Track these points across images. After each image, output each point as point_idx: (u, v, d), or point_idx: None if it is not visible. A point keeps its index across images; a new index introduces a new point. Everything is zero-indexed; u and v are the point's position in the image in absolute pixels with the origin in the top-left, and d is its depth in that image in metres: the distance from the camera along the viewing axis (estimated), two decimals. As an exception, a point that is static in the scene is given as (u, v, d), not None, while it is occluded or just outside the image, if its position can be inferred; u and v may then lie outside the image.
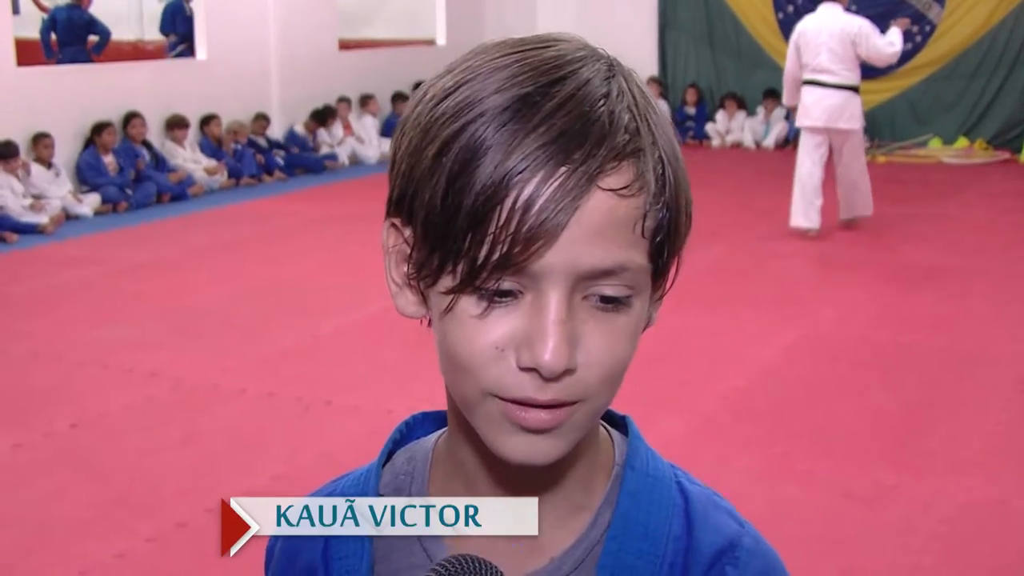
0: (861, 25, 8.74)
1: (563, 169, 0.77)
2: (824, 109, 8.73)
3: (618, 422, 0.99)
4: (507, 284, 0.80)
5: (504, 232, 0.77)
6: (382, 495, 0.97)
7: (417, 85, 0.83)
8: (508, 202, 0.77)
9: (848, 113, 8.77)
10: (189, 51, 12.84)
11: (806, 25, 8.95)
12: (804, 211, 8.88)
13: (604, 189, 0.78)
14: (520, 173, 0.77)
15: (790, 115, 14.35)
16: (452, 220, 0.79)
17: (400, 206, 0.85)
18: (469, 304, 0.81)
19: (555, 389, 0.81)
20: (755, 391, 5.58)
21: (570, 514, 0.93)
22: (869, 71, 14.34)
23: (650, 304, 0.87)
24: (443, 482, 0.96)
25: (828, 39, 8.68)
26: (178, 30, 13.71)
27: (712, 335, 6.46)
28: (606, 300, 0.81)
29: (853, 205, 9.19)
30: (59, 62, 12.53)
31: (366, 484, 0.98)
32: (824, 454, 4.80)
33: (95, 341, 6.35)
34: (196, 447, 4.89)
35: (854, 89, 8.84)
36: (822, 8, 8.94)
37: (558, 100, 0.79)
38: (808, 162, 8.85)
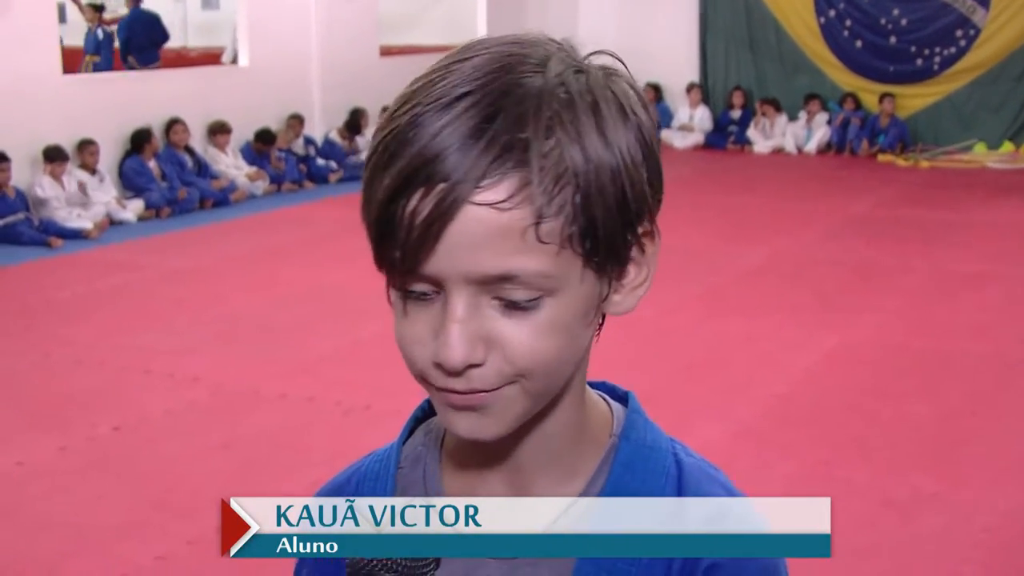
0: None
1: (442, 185, 0.83)
2: None
3: (620, 396, 1.03)
4: (420, 287, 0.87)
5: (396, 242, 0.86)
6: (402, 468, 1.04)
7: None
8: (398, 215, 0.85)
9: None
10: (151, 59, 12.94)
11: None
12: None
13: (479, 204, 0.83)
14: (406, 189, 0.84)
15: (832, 120, 14.34)
16: (369, 229, 0.89)
17: None
18: (398, 300, 0.90)
19: (463, 381, 0.88)
20: (794, 398, 5.55)
21: (563, 481, 0.97)
22: (911, 75, 14.31)
23: (620, 293, 0.93)
24: (452, 451, 1.03)
25: None
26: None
27: (751, 341, 6.43)
28: (510, 305, 0.87)
29: None
30: (133, 66, 12.70)
31: (388, 458, 1.06)
32: (864, 461, 4.77)
33: (137, 346, 6.41)
34: (236, 451, 4.93)
35: None
36: None
37: (449, 117, 0.84)
38: None
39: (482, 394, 0.88)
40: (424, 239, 0.84)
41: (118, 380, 5.88)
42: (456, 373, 0.87)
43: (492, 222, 0.83)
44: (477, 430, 0.91)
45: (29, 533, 4.21)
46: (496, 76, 0.86)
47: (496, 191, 0.83)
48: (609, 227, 0.87)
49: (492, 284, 0.86)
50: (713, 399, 5.48)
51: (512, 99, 0.85)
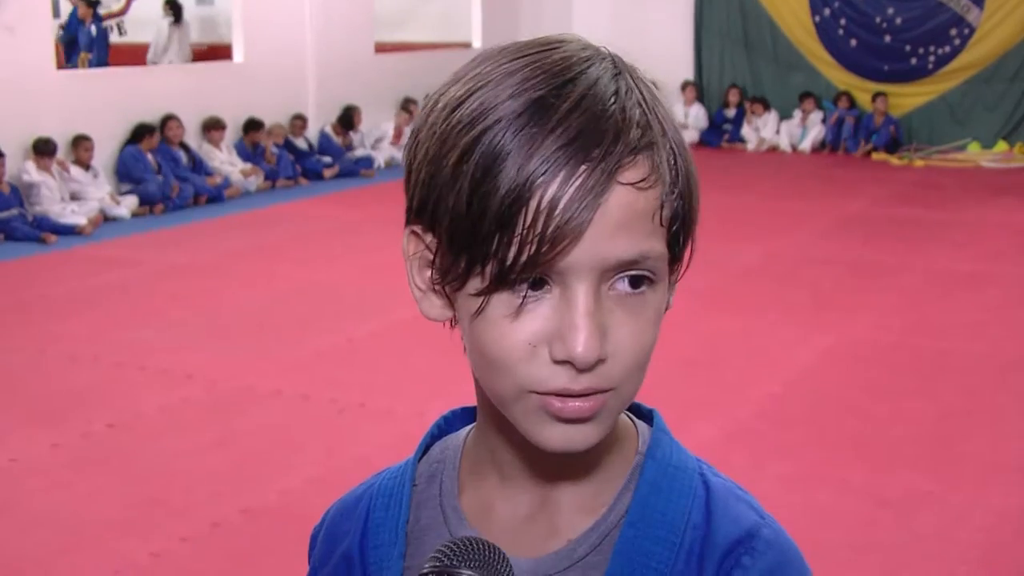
0: None
1: (583, 167, 0.80)
2: None
3: (645, 414, 1.02)
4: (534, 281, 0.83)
5: (531, 233, 0.80)
6: (417, 485, 1.02)
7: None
8: (533, 203, 0.80)
9: None
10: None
11: None
12: None
13: (623, 184, 0.82)
14: (543, 175, 0.80)
15: (826, 118, 14.35)
16: (478, 224, 0.82)
17: (421, 213, 0.88)
18: (500, 304, 0.84)
19: (589, 378, 0.84)
20: (790, 397, 5.55)
21: (589, 499, 0.95)
22: (905, 74, 14.31)
23: (668, 290, 0.91)
24: (472, 468, 1.00)
25: None
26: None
27: (747, 340, 6.43)
28: (629, 292, 0.85)
29: None
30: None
31: (403, 475, 1.03)
32: (859, 461, 4.77)
33: (132, 342, 6.39)
34: (231, 448, 4.92)
35: None
36: None
37: (572, 101, 0.82)
38: None
39: (596, 398, 0.85)
40: (567, 225, 0.80)
41: (112, 377, 5.87)
42: (588, 368, 0.83)
43: (632, 204, 0.82)
44: (574, 442, 0.87)
45: (24, 529, 4.19)
46: (587, 67, 0.85)
47: (636, 170, 0.82)
48: (696, 214, 0.89)
49: (617, 271, 0.83)
50: (708, 398, 5.47)
51: (621, 85, 0.85)
